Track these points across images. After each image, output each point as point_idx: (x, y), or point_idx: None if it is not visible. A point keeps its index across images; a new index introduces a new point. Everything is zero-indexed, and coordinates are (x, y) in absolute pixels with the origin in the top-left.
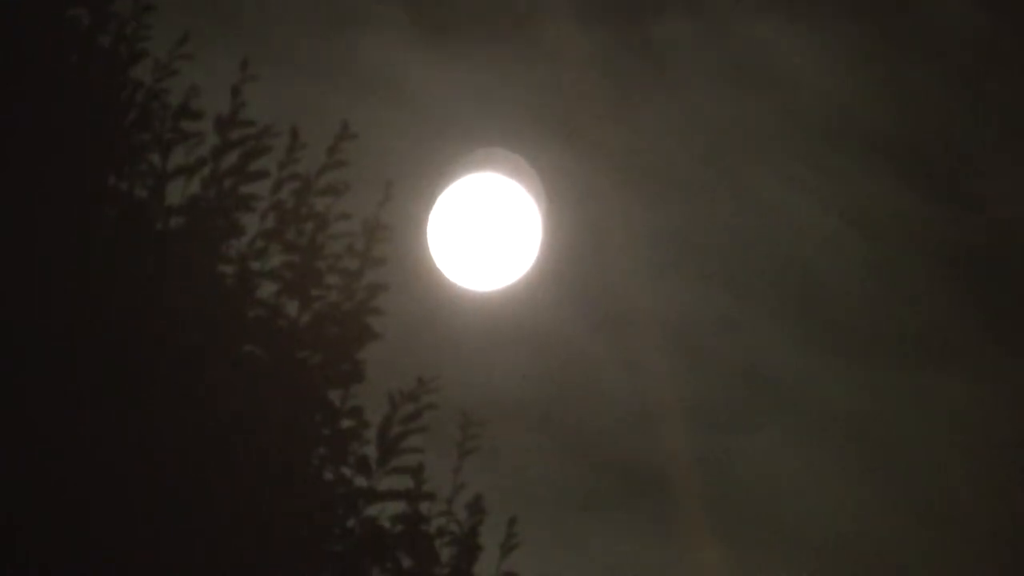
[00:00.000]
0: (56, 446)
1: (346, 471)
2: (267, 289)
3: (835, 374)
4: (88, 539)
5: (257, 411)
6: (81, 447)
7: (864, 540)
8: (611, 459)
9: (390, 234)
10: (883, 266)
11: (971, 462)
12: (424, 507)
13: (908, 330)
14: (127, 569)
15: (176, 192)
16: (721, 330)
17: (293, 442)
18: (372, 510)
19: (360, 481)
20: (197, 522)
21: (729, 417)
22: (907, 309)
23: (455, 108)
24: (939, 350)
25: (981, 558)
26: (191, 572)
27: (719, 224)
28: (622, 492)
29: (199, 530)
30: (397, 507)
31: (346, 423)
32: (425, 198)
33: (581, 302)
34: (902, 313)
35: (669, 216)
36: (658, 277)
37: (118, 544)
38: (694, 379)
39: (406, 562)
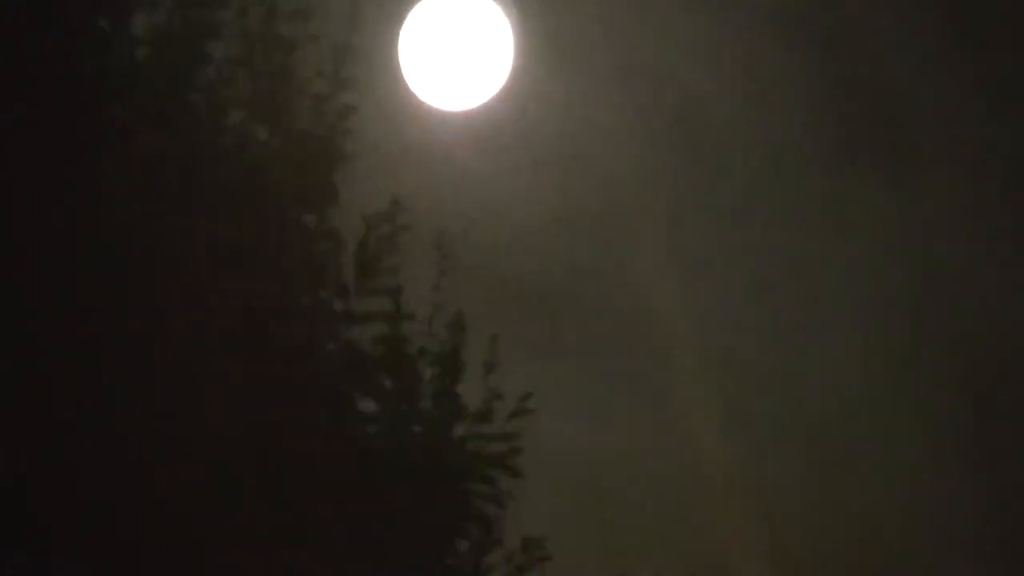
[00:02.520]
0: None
1: (324, 295)
2: (237, 116)
3: None
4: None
5: (231, 238)
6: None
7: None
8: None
9: (359, 56)
10: None
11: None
12: (404, 328)
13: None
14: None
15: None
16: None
17: (269, 268)
18: (352, 332)
19: (339, 305)
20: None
21: None
22: None
23: None
24: None
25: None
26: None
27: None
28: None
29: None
30: (377, 329)
31: (322, 246)
32: (394, 18)
33: (550, 124)
34: None
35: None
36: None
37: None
38: None
39: (389, 384)
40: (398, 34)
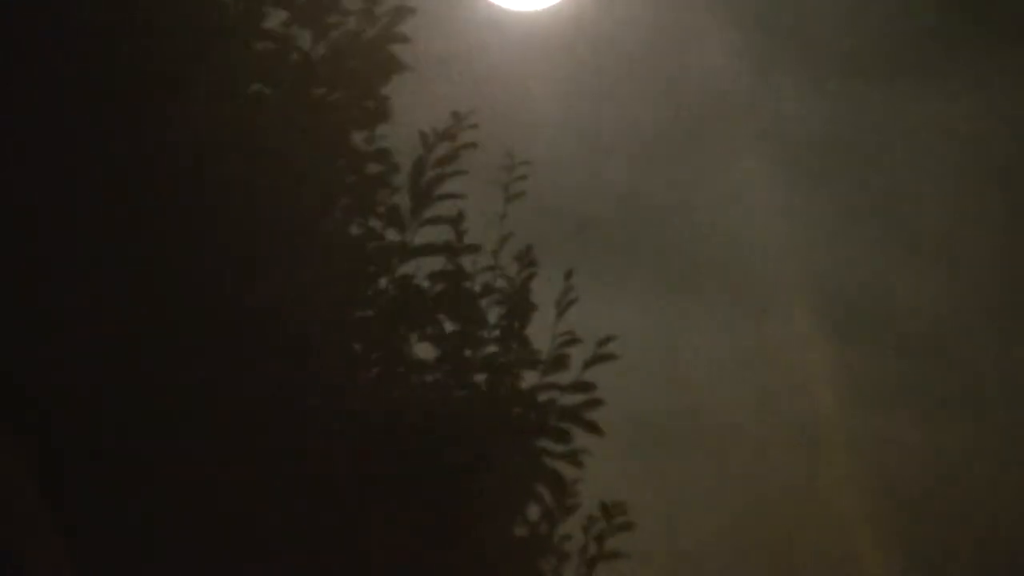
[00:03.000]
0: None
1: (375, 224)
2: (276, 18)
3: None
4: None
5: (269, 158)
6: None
7: (853, 280)
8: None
9: None
10: None
11: (964, 190)
12: (466, 262)
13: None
14: None
15: None
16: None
17: (313, 192)
18: (407, 267)
19: (392, 235)
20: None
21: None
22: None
23: None
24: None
25: (978, 291)
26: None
27: None
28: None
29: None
30: (435, 263)
31: (373, 168)
32: None
33: (632, 25)
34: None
35: None
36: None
37: None
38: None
39: (448, 326)
40: None
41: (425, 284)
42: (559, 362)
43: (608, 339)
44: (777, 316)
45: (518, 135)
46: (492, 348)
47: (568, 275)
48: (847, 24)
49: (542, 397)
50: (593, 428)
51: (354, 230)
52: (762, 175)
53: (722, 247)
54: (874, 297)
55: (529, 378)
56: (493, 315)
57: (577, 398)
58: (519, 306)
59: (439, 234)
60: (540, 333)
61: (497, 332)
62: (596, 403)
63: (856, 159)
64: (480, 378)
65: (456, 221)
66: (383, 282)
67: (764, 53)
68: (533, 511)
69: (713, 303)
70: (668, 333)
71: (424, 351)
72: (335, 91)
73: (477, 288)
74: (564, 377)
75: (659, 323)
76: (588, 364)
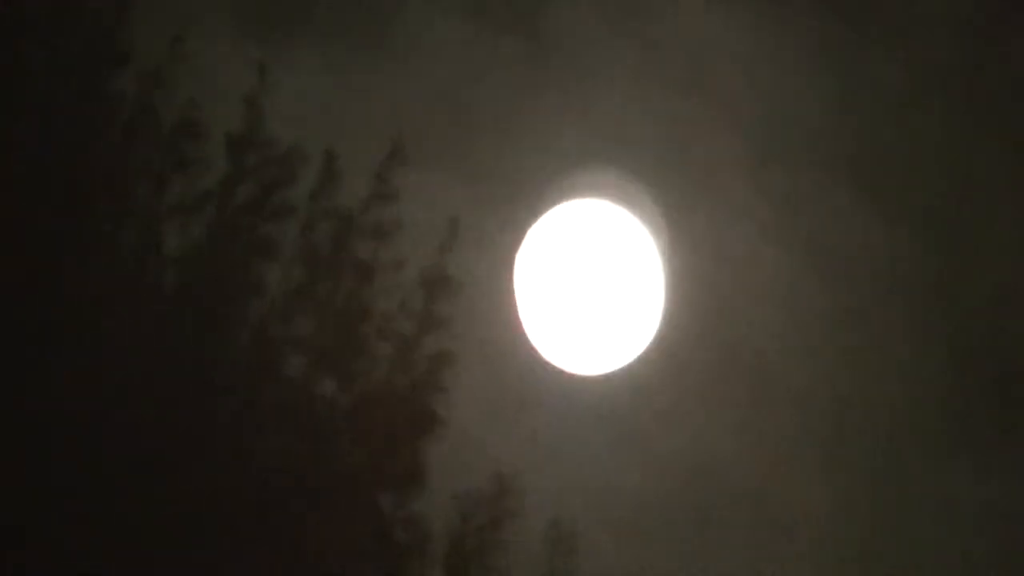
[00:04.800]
0: None
1: None
2: (295, 363)
3: None
4: None
5: (284, 521)
6: None
7: None
8: None
9: (458, 288)
10: None
11: None
12: None
13: None
14: None
15: (174, 236)
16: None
17: (333, 562)
18: None
19: None
20: None
21: None
22: None
23: (545, 120)
24: None
25: None
26: None
27: None
28: None
29: None
30: None
31: (400, 535)
32: (507, 239)
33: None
34: None
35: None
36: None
37: None
38: None
39: None
40: (513, 259)
41: None
42: None
43: None
44: None
45: (569, 503)
46: None
47: None
48: None
49: None
50: None
51: None
52: None
53: None
54: None
55: None
56: None
57: None
58: None
59: None
60: None
61: None
62: None
63: None
64: None
65: None
66: None
67: None
68: None
69: None
70: None
71: None
72: (361, 448)
73: None
74: None
75: None
76: None
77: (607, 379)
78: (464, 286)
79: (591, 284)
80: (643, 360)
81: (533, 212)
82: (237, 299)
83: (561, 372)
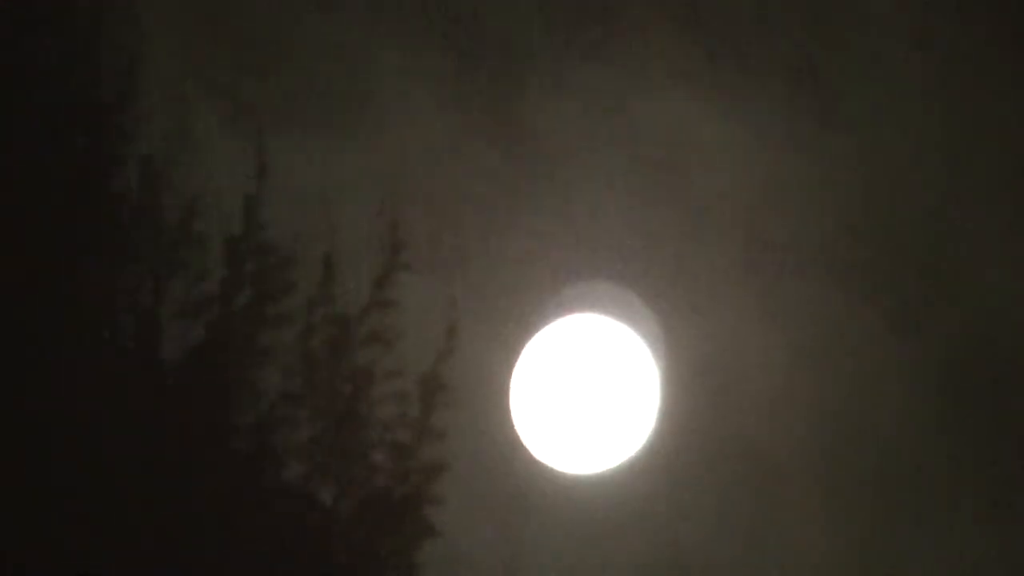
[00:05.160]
0: None
1: None
2: (293, 470)
3: None
4: None
5: None
6: None
7: None
8: None
9: (455, 397)
10: None
11: None
12: None
13: None
14: None
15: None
16: None
17: None
18: None
19: None
20: None
21: None
22: None
23: (542, 231)
24: None
25: None
26: None
27: None
28: None
29: None
30: None
31: None
32: (503, 349)
33: (707, 488)
34: None
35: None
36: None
37: None
38: None
39: None
40: (511, 370)
41: None
42: None
43: None
44: None
45: None
46: None
47: None
48: None
49: None
50: None
51: None
52: None
53: None
54: None
55: None
56: None
57: None
58: None
59: None
60: None
61: None
62: None
63: None
64: None
65: None
66: None
67: None
68: None
69: None
70: None
71: None
72: (359, 556)
73: None
74: None
75: None
76: None
77: (601, 480)
78: (463, 395)
79: (586, 392)
80: (637, 462)
81: (526, 328)
82: (236, 404)
83: (557, 474)
